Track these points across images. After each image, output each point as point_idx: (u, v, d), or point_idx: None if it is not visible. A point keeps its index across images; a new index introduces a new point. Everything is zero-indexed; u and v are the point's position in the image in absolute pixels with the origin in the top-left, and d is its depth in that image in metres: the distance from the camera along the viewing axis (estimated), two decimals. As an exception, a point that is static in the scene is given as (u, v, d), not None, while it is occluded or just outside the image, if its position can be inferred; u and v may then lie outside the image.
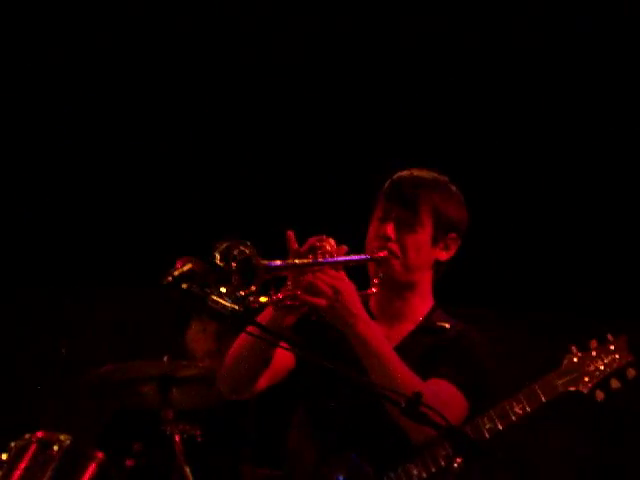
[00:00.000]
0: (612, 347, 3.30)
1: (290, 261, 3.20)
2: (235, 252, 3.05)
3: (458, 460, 2.84)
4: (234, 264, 3.04)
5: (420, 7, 5.44)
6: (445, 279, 3.52)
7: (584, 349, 3.32)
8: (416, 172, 3.48)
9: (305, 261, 3.19)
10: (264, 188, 5.88)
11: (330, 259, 3.21)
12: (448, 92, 5.62)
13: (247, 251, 3.05)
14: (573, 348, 3.33)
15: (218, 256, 3.03)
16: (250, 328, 3.10)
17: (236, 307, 2.95)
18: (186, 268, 2.85)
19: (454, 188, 3.51)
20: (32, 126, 6.04)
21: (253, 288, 3.06)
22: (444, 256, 3.47)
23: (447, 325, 3.43)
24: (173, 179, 6.03)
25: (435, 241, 3.44)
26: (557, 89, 5.57)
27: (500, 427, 3.20)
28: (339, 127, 5.76)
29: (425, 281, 3.48)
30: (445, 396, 3.18)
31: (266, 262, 3.09)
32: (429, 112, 5.63)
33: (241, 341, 3.34)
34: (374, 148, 5.63)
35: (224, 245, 3.04)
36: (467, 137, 5.67)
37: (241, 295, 3.03)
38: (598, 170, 5.64)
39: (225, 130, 5.92)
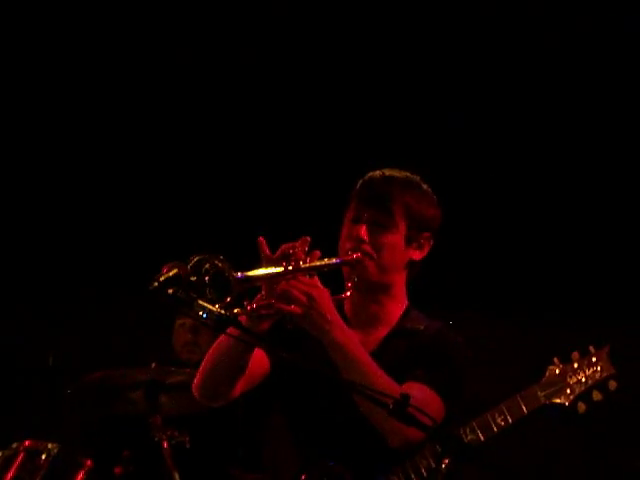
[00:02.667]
0: (594, 359, 3.32)
1: (263, 272, 3.17)
2: (207, 266, 3.03)
3: (445, 461, 2.83)
4: (207, 278, 3.03)
5: (393, 7, 5.43)
6: (428, 282, 3.50)
7: (566, 361, 3.33)
8: (388, 172, 3.46)
9: (278, 270, 3.17)
10: (236, 192, 5.88)
11: (303, 266, 3.19)
12: (419, 91, 5.60)
13: (220, 265, 3.03)
14: (555, 360, 3.33)
15: (190, 270, 3.02)
16: (230, 330, 3.09)
17: (222, 312, 2.94)
18: (172, 273, 2.85)
19: (426, 187, 3.48)
20: (31, 126, 6.04)
21: (228, 300, 3.05)
22: (418, 255, 3.45)
23: (421, 327, 3.42)
24: (154, 186, 6.04)
25: (409, 241, 3.42)
26: (531, 83, 5.56)
27: (482, 438, 3.20)
28: (309, 130, 5.75)
29: (399, 282, 3.47)
30: (422, 398, 3.15)
31: (239, 274, 3.06)
32: (400, 112, 5.61)
33: (216, 346, 3.33)
34: (344, 149, 5.63)
35: (195, 259, 3.03)
36: (444, 135, 5.66)
37: (216, 308, 3.02)
38: (582, 173, 5.63)
39: (197, 136, 5.93)
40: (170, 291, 2.80)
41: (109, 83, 5.86)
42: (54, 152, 6.10)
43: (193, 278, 3.00)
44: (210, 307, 2.92)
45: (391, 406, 2.73)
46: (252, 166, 5.87)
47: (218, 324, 2.94)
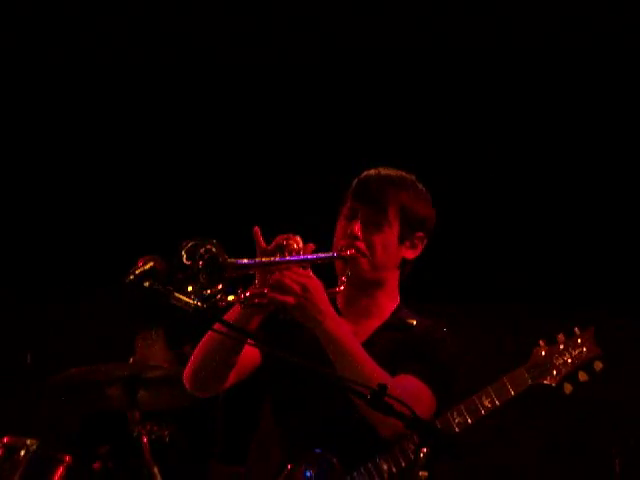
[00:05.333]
0: (579, 340, 3.34)
1: (257, 259, 3.21)
2: (201, 250, 3.06)
3: (424, 450, 2.87)
4: (201, 262, 3.05)
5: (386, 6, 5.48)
6: (414, 276, 3.54)
7: (552, 342, 3.36)
8: (383, 171, 3.49)
9: (272, 259, 3.21)
10: (232, 186, 5.88)
11: (297, 257, 3.23)
12: (414, 91, 5.65)
13: (214, 249, 3.06)
14: (541, 342, 3.37)
15: (184, 255, 3.04)
16: (217, 325, 3.11)
17: (199, 304, 2.96)
18: (148, 266, 2.87)
19: (421, 186, 3.52)
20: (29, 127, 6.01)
21: (220, 286, 3.07)
22: (411, 255, 3.49)
23: (414, 322, 3.46)
24: (138, 177, 6.03)
25: (402, 240, 3.46)
26: (519, 82, 5.62)
27: (470, 421, 3.23)
28: (307, 125, 5.78)
29: (392, 280, 3.50)
30: (413, 391, 3.20)
31: (233, 260, 3.10)
32: (395, 111, 5.66)
33: (207, 339, 3.35)
34: (341, 146, 5.66)
35: (190, 244, 3.05)
36: (430, 135, 5.71)
37: (208, 294, 3.04)
38: (562, 159, 5.69)
39: (192, 128, 5.93)
40: (146, 284, 2.81)
41: (99, 77, 5.85)
42: (35, 146, 6.07)
43: (188, 262, 3.03)
44: (187, 300, 2.94)
45: (368, 396, 2.76)
46: (249, 161, 5.88)
47: (196, 316, 2.97)
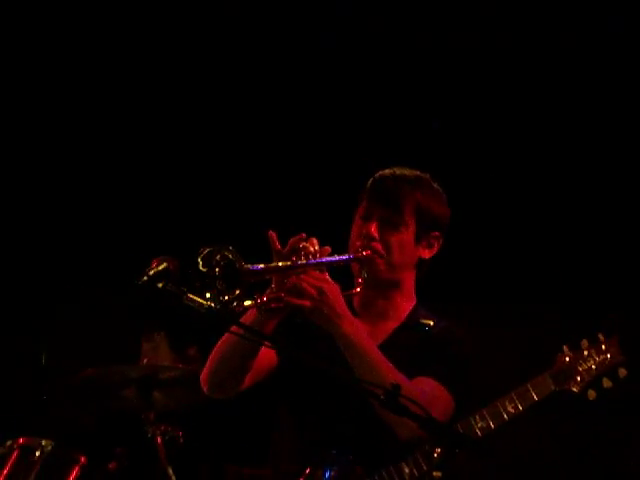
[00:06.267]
0: (603, 347, 3.34)
1: (274, 264, 3.21)
2: (218, 257, 3.06)
3: (437, 450, 2.86)
4: (217, 269, 3.05)
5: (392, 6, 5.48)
6: (431, 276, 3.54)
7: (575, 348, 3.35)
8: (398, 170, 3.49)
9: (288, 263, 3.20)
10: (247, 189, 5.88)
11: (314, 260, 3.22)
12: (427, 90, 5.65)
13: (230, 256, 3.06)
14: (565, 347, 3.36)
15: (201, 262, 3.04)
16: (234, 328, 3.11)
17: (212, 305, 2.96)
18: (161, 267, 2.86)
19: (436, 185, 3.52)
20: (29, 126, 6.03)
21: (237, 292, 3.07)
22: (427, 254, 3.49)
23: (431, 322, 3.46)
24: (151, 180, 6.03)
25: (418, 239, 3.46)
26: (524, 82, 5.62)
27: (492, 426, 3.22)
28: (321, 127, 5.77)
29: (409, 280, 3.50)
30: (431, 393, 3.21)
31: (249, 266, 3.09)
32: (409, 111, 5.65)
33: (224, 341, 3.35)
34: (356, 147, 5.64)
35: (206, 251, 3.05)
36: (441, 135, 5.70)
37: (225, 300, 3.04)
38: (573, 160, 5.68)
39: (203, 131, 5.93)
40: (159, 285, 2.81)
41: (100, 77, 5.84)
42: (32, 147, 6.07)
43: (204, 269, 3.03)
44: (200, 301, 2.95)
45: (382, 397, 2.76)
46: (263, 163, 5.85)
47: (209, 317, 2.97)
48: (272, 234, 3.25)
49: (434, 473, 3.06)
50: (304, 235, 3.24)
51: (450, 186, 3.55)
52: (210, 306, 2.96)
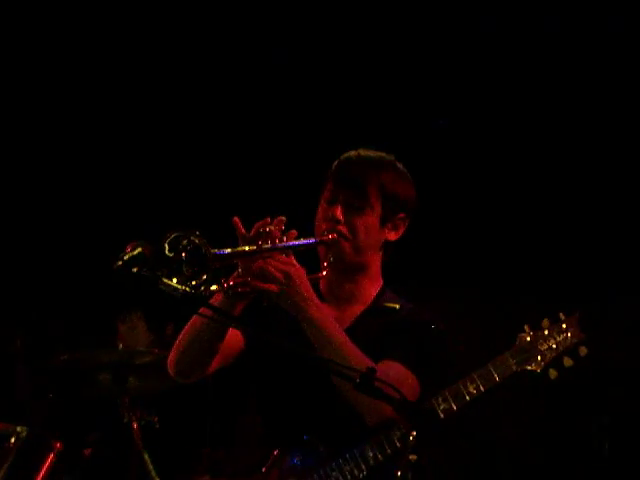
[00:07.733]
0: (564, 326, 3.33)
1: (240, 249, 3.19)
2: (184, 242, 3.04)
3: (413, 434, 2.86)
4: (184, 254, 3.04)
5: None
6: (400, 258, 3.53)
7: (536, 328, 3.35)
8: (363, 152, 3.46)
9: (254, 247, 3.19)
10: (214, 174, 5.87)
11: (279, 244, 3.21)
12: (399, 74, 5.64)
13: (196, 241, 3.04)
14: (526, 327, 3.36)
15: (167, 247, 3.03)
16: (202, 310, 3.10)
17: (187, 289, 2.95)
18: (136, 252, 2.82)
19: (401, 167, 3.49)
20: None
21: (204, 277, 3.06)
22: (393, 236, 3.47)
23: (397, 306, 3.45)
24: (124, 167, 6.02)
25: (384, 222, 3.43)
26: (514, 71, 5.62)
27: (455, 407, 3.23)
28: (286, 109, 5.76)
29: (375, 262, 3.48)
30: (396, 376, 3.19)
31: (216, 251, 3.08)
32: (373, 92, 5.64)
33: (191, 325, 3.34)
34: (320, 129, 5.63)
35: (172, 236, 3.03)
36: (410, 114, 5.70)
37: (192, 285, 3.03)
38: (551, 149, 5.68)
39: (170, 118, 5.92)
40: (134, 270, 2.79)
41: (95, 76, 5.84)
42: (26, 143, 6.07)
43: (170, 254, 3.02)
44: (175, 285, 2.94)
45: (357, 379, 2.75)
46: (228, 147, 5.86)
47: (184, 301, 2.96)
48: (236, 219, 3.23)
49: (410, 456, 3.04)
50: (269, 219, 3.22)
51: (421, 172, 3.52)
52: (185, 290, 2.95)
